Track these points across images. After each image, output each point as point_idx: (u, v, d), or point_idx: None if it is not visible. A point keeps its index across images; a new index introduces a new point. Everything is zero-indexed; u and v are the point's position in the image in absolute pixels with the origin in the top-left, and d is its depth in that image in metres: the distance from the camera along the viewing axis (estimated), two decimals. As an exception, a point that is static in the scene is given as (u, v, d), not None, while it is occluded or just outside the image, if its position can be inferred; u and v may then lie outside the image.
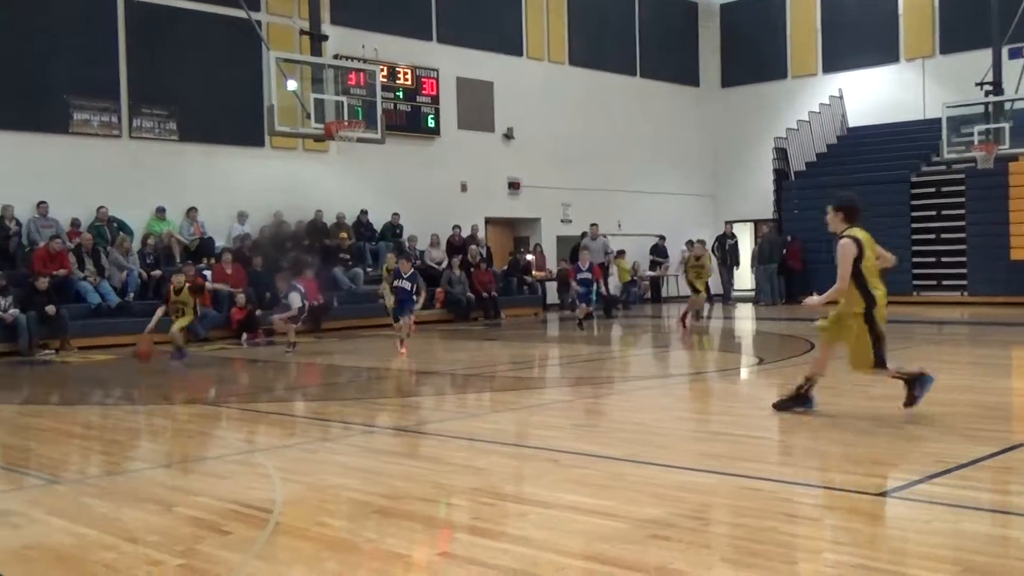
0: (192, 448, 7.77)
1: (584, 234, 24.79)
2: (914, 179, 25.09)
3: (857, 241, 7.42)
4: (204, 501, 5.54)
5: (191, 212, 19.60)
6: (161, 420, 9.32)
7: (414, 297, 14.33)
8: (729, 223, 28.21)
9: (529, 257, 25.40)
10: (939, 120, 23.35)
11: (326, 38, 18.00)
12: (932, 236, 24.47)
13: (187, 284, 13.62)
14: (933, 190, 24.71)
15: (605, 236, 24.95)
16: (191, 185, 19.70)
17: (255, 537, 4.79)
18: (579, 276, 18.62)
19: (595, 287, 19.53)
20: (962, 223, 23.96)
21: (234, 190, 20.16)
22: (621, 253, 26.01)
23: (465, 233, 23.45)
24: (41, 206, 17.79)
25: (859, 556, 4.22)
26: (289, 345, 15.13)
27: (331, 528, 4.99)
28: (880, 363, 7.52)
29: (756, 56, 30.35)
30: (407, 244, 22.38)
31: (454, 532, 4.96)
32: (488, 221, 25.59)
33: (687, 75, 31.18)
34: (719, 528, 4.94)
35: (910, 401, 7.54)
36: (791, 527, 4.78)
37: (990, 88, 23.03)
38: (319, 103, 16.42)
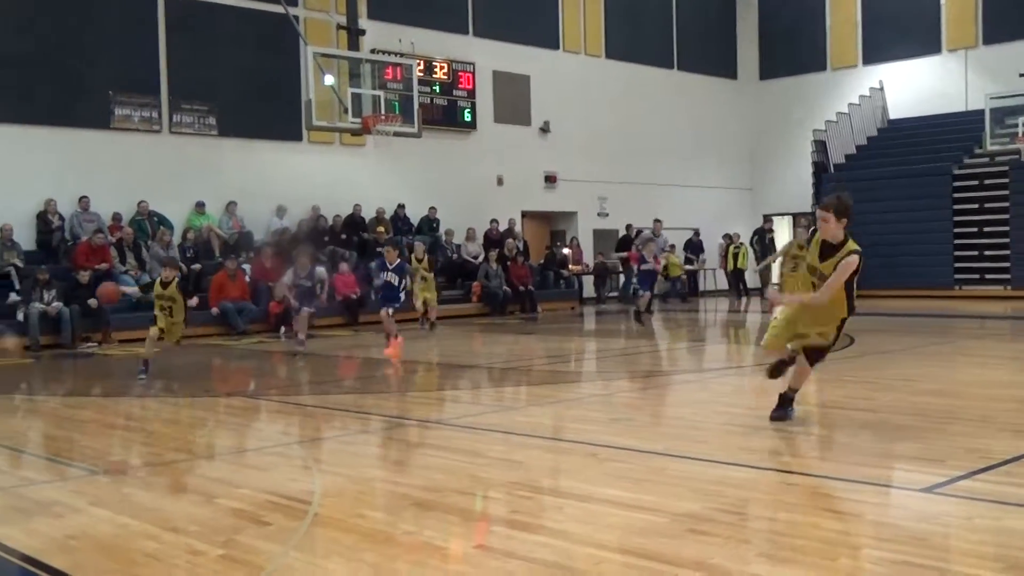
0: (232, 440, 7.85)
1: (630, 227, 24.87)
2: (956, 171, 24.74)
3: (862, 257, 7.15)
4: (244, 492, 5.59)
5: (230, 206, 19.79)
6: (201, 412, 9.42)
7: (400, 295, 13.66)
8: (768, 217, 27.97)
9: (565, 251, 25.40)
10: (982, 111, 23.03)
11: (363, 33, 18.14)
12: (975, 229, 24.14)
13: (176, 279, 11.52)
14: (976, 183, 24.38)
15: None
16: (230, 179, 19.88)
17: (294, 528, 4.83)
18: (642, 266, 18.27)
19: (655, 279, 19.23)
20: (1006, 216, 23.61)
21: (272, 184, 20.29)
22: (672, 248, 25.90)
23: (502, 227, 23.46)
24: (83, 201, 18.04)
25: (900, 552, 4.16)
26: (298, 342, 14.15)
27: (369, 520, 5.01)
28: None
29: (795, 48, 30.06)
30: (444, 238, 22.48)
31: (491, 525, 4.96)
32: (524, 215, 25.59)
33: (725, 67, 30.95)
34: (758, 523, 4.90)
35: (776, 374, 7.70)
36: (831, 523, 4.74)
37: (1035, 79, 22.69)
38: (356, 97, 16.53)
